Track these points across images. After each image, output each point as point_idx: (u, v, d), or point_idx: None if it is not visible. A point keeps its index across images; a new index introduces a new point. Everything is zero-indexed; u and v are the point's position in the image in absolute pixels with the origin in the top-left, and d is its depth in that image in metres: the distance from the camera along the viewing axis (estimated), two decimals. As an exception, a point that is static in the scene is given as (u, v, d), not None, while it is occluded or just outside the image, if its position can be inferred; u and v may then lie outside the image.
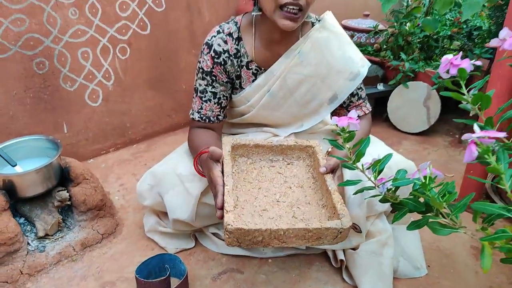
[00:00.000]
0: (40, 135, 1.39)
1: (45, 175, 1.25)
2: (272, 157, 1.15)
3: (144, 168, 1.71)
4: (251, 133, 1.32)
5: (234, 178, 1.03)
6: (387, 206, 1.18)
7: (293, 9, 1.02)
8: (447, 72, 0.76)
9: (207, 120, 1.21)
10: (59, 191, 1.29)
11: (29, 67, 1.47)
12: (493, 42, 0.72)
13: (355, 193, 0.89)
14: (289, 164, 1.15)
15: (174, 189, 1.19)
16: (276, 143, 1.14)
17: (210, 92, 1.19)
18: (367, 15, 2.46)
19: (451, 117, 2.20)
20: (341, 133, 0.84)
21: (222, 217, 0.89)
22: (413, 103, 2.10)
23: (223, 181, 0.95)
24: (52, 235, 1.27)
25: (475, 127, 0.65)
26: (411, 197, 0.82)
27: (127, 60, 1.74)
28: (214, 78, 1.18)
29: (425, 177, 0.75)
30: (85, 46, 1.59)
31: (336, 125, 0.86)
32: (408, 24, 2.21)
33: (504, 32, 0.70)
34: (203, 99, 1.20)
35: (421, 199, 0.80)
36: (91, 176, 1.35)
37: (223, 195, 0.91)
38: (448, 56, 0.75)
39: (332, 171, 1.05)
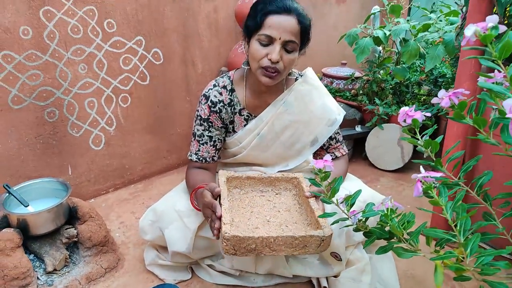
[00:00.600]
0: (51, 177, 1.53)
1: (55, 214, 1.37)
2: (262, 188, 1.34)
3: (142, 206, 1.85)
4: (242, 171, 1.48)
5: (229, 203, 1.20)
6: (363, 236, 1.34)
7: (272, 69, 1.23)
8: (404, 121, 0.94)
9: (203, 160, 1.38)
10: (67, 228, 1.42)
11: (41, 116, 1.63)
12: (435, 100, 0.91)
13: (332, 224, 1.05)
14: (277, 194, 1.33)
15: (173, 224, 1.33)
16: (265, 175, 1.33)
17: (207, 136, 1.37)
18: (344, 64, 2.70)
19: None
20: (318, 173, 1.00)
21: (219, 229, 1.05)
22: (388, 143, 2.30)
23: (220, 203, 1.12)
24: (59, 270, 1.38)
25: (421, 168, 0.83)
26: (378, 226, 0.98)
27: (128, 108, 1.92)
28: (211, 124, 1.36)
29: (387, 209, 0.92)
30: (91, 96, 1.77)
31: (314, 167, 1.03)
32: (381, 72, 2.46)
33: (441, 93, 0.89)
34: (200, 142, 1.37)
35: (387, 228, 0.96)
36: (96, 214, 1.48)
37: (221, 208, 1.08)
38: (405, 108, 0.94)
39: (315, 196, 1.22)
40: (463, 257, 0.83)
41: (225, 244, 1.01)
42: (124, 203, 1.89)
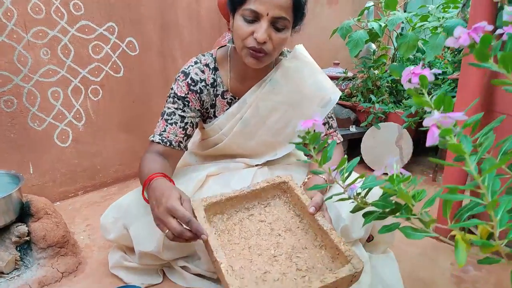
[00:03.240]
0: (1, 170, 1.34)
1: (2, 208, 1.18)
2: (247, 205, 1.07)
3: (114, 209, 1.65)
4: (224, 164, 1.30)
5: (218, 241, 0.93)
6: (363, 233, 1.15)
7: (258, 50, 1.06)
8: (409, 81, 0.77)
9: (167, 143, 1.15)
10: (18, 226, 1.22)
11: (-3, 105, 1.46)
12: (449, 42, 0.75)
13: (326, 200, 0.85)
14: (266, 206, 1.08)
15: (140, 220, 1.13)
16: (248, 189, 1.06)
17: (179, 115, 1.16)
18: (337, 64, 2.58)
19: (424, 159, 2.26)
20: (306, 136, 0.83)
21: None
22: (386, 144, 2.14)
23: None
24: (7, 274, 1.17)
25: (435, 112, 0.66)
26: (381, 198, 0.79)
27: (99, 102, 1.75)
28: (187, 103, 1.17)
29: (392, 175, 0.74)
30: (55, 85, 1.60)
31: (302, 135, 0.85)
32: (376, 71, 2.32)
33: (458, 30, 0.74)
34: (169, 121, 1.16)
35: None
36: (53, 211, 1.28)
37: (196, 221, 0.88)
38: (410, 68, 0.78)
39: (320, 207, 0.99)
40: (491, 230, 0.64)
41: None
42: (94, 206, 1.69)
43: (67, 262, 1.26)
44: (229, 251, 0.95)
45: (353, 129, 2.26)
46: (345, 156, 0.88)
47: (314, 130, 0.83)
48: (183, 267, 1.22)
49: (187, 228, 0.88)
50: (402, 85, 2.26)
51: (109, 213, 1.20)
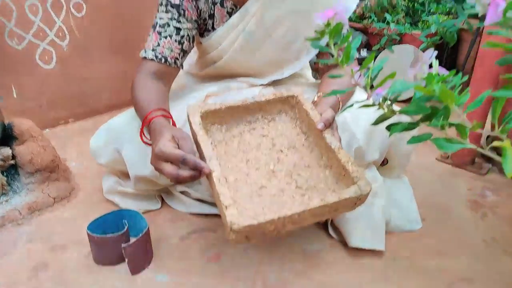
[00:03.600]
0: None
1: (-19, 130, 1.07)
2: (250, 118, 0.95)
3: (108, 136, 1.54)
4: (225, 83, 1.17)
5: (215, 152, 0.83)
6: (377, 155, 1.04)
7: None
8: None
9: (162, 60, 1.00)
10: (0, 149, 1.12)
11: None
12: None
13: (346, 108, 0.72)
14: (270, 121, 0.96)
15: (132, 143, 1.02)
16: (252, 100, 0.92)
17: (174, 27, 1.00)
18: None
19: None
20: (326, 29, 0.69)
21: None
22: (400, 68, 1.98)
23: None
24: (-6, 199, 1.10)
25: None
26: (415, 101, 0.66)
27: (84, 19, 1.57)
28: (183, 12, 1.00)
29: (429, 74, 0.61)
30: (32, -1, 1.42)
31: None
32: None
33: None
34: (162, 34, 1.00)
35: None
36: (39, 134, 1.17)
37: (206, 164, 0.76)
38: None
39: (330, 124, 0.88)
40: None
41: (234, 236, 0.70)
42: (86, 133, 1.58)
43: (59, 188, 1.17)
44: (225, 163, 0.86)
45: (363, 53, 2.09)
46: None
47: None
48: (182, 192, 1.13)
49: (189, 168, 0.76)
50: (420, 5, 2.07)
51: (99, 136, 1.09)
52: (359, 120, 1.01)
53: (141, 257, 0.90)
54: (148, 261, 0.93)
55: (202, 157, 0.80)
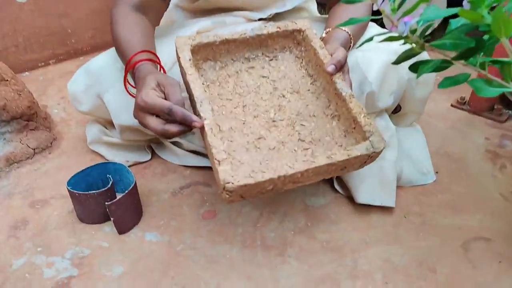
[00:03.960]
0: None
1: None
2: (248, 54, 0.82)
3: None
4: (219, 18, 1.02)
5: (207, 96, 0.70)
6: (391, 101, 0.93)
7: None
8: None
9: None
10: (-32, 95, 1.00)
11: None
12: None
13: (364, 42, 0.59)
14: (272, 59, 0.83)
15: (116, 87, 0.91)
16: (251, 33, 0.79)
17: None
18: None
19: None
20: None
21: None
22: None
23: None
24: (-35, 151, 1.00)
25: None
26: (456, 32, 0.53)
27: None
28: None
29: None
30: None
31: None
32: None
33: None
34: None
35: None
36: (12, 77, 1.05)
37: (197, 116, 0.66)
38: None
39: (342, 67, 0.75)
40: None
41: (227, 195, 0.61)
42: (69, 76, 1.41)
43: (38, 137, 1.07)
44: (218, 107, 0.75)
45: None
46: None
47: None
48: (174, 143, 1.03)
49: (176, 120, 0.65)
50: None
51: (78, 79, 0.98)
52: (371, 61, 0.88)
53: (128, 215, 0.82)
54: (137, 219, 0.86)
55: (192, 100, 0.70)
